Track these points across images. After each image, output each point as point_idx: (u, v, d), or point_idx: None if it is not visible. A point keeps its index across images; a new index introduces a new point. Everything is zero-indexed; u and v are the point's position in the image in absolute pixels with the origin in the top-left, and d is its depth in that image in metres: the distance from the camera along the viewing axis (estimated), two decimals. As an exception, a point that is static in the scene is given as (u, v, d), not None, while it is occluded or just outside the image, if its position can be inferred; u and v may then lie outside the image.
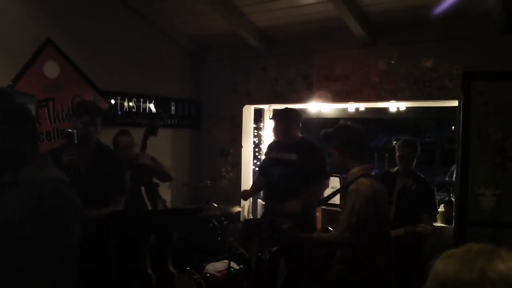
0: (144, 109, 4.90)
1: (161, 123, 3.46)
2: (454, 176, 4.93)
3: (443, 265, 0.87)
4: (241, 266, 4.01)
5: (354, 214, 2.39)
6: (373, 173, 2.69)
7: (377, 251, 2.46)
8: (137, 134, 3.55)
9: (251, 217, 5.18)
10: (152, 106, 4.95)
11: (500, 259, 0.84)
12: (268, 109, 5.50)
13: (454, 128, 4.87)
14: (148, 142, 3.33)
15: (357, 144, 2.58)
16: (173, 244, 3.71)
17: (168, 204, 4.97)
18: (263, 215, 4.14)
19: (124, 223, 2.82)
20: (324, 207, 4.64)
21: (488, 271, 0.82)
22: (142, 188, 3.27)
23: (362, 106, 4.91)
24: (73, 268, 1.41)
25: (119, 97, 4.65)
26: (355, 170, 2.53)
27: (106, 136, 3.70)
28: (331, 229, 2.75)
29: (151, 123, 3.38)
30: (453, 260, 0.86)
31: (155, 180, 3.63)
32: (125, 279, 2.98)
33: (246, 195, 4.26)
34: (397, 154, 3.62)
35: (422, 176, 3.61)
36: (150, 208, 3.23)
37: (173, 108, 5.26)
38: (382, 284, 2.49)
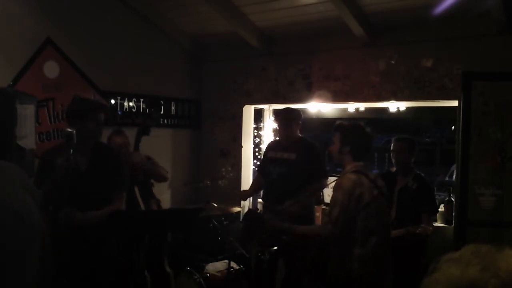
0: (144, 109, 4.90)
1: (154, 123, 3.45)
2: (454, 176, 4.92)
3: (449, 269, 0.84)
4: (241, 266, 4.00)
5: (336, 208, 2.43)
6: (369, 171, 2.66)
7: (370, 249, 2.44)
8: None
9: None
10: (147, 106, 4.94)
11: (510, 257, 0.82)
12: (268, 109, 5.50)
13: (454, 128, 4.87)
14: (141, 142, 3.31)
15: (360, 146, 2.60)
16: (168, 244, 3.70)
17: (168, 204, 4.98)
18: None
19: (125, 223, 2.82)
20: (324, 206, 4.64)
21: (499, 269, 0.80)
22: (136, 188, 3.26)
23: (362, 106, 4.91)
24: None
25: (119, 97, 4.65)
26: (348, 167, 2.57)
27: (105, 136, 3.71)
28: None
29: (143, 123, 3.38)
30: (460, 262, 0.83)
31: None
32: (121, 279, 2.98)
33: (244, 195, 4.26)
34: (391, 150, 3.64)
35: (422, 174, 3.61)
36: (143, 208, 3.23)
37: (173, 108, 5.25)
38: (380, 283, 2.48)
